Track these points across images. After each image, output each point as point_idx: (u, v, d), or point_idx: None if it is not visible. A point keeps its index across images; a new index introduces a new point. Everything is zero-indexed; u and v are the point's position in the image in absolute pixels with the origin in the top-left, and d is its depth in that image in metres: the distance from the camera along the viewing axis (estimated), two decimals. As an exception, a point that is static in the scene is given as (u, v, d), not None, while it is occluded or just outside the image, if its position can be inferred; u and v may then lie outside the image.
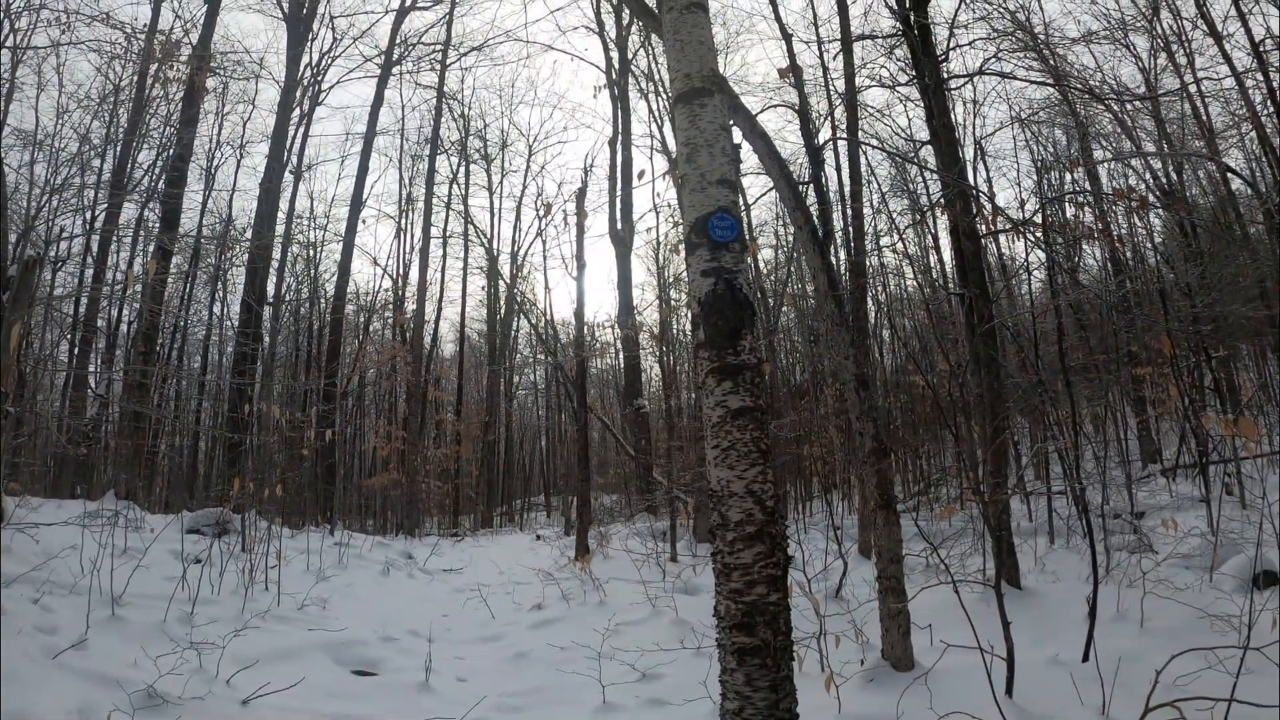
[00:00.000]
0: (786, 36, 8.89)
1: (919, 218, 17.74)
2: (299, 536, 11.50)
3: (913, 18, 9.74)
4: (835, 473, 16.11)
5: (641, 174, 17.16)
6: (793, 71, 8.86)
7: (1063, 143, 17.61)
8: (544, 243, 31.25)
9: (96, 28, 12.31)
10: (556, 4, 34.22)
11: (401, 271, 27.79)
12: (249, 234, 19.58)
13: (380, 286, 32.91)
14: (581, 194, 14.81)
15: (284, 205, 21.23)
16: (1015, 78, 11.68)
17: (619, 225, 21.31)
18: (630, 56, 22.21)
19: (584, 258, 14.36)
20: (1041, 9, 18.26)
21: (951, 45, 10.97)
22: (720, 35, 21.68)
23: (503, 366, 30.21)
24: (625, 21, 21.33)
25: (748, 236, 4.80)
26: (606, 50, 22.69)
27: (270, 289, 21.15)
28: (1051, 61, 12.08)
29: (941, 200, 11.25)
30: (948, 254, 18.29)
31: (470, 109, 31.46)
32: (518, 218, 29.87)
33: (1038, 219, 9.60)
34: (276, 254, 21.27)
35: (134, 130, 15.98)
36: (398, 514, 21.79)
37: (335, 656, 6.49)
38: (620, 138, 22.09)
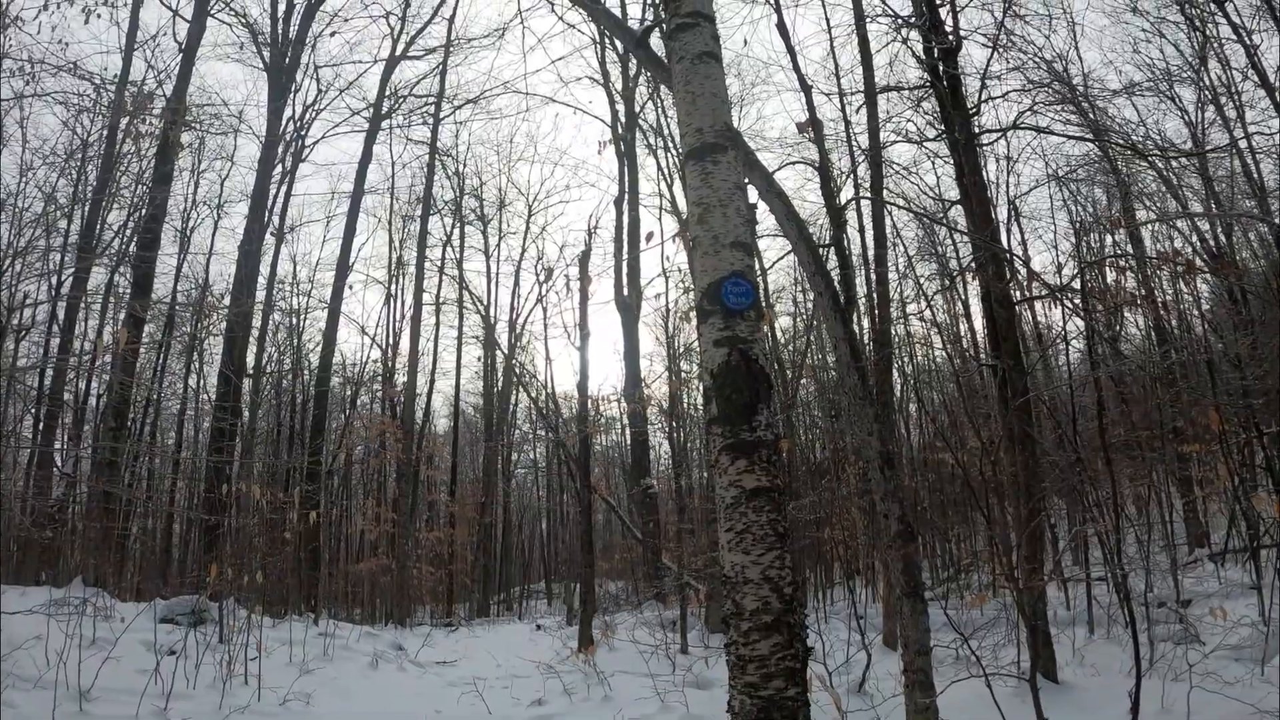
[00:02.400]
0: (806, 88, 8.97)
1: (948, 283, 17.96)
2: (281, 626, 11.51)
3: (941, 68, 9.95)
4: (858, 557, 16.09)
5: (650, 236, 17.47)
6: (812, 125, 9.07)
7: (1103, 202, 17.88)
8: (545, 310, 31.57)
9: (63, 78, 12.61)
10: (558, 54, 35.12)
11: (391, 341, 28.10)
12: (227, 300, 19.88)
13: (368, 356, 33.26)
14: (585, 258, 15.12)
15: (265, 269, 21.58)
16: (1052, 132, 11.82)
17: (625, 291, 21.62)
18: (637, 110, 22.72)
19: (588, 326, 14.61)
20: (1080, 59, 18.68)
21: (983, 98, 11.16)
22: (735, 87, 22.20)
23: (500, 443, 30.30)
24: (632, 72, 21.87)
25: (764, 303, 4.94)
26: (612, 103, 23.22)
27: (250, 360, 21.44)
28: (1091, 115, 12.33)
29: (973, 264, 11.44)
30: (979, 322, 18.46)
31: (465, 165, 32.02)
32: (516, 282, 30.27)
33: (1076, 284, 9.74)
34: (257, 322, 21.61)
35: (103, 189, 16.24)
36: (387, 602, 21.70)
37: (320, 756, 6.52)
38: (626, 196, 22.52)
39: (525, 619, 23.17)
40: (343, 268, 22.43)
